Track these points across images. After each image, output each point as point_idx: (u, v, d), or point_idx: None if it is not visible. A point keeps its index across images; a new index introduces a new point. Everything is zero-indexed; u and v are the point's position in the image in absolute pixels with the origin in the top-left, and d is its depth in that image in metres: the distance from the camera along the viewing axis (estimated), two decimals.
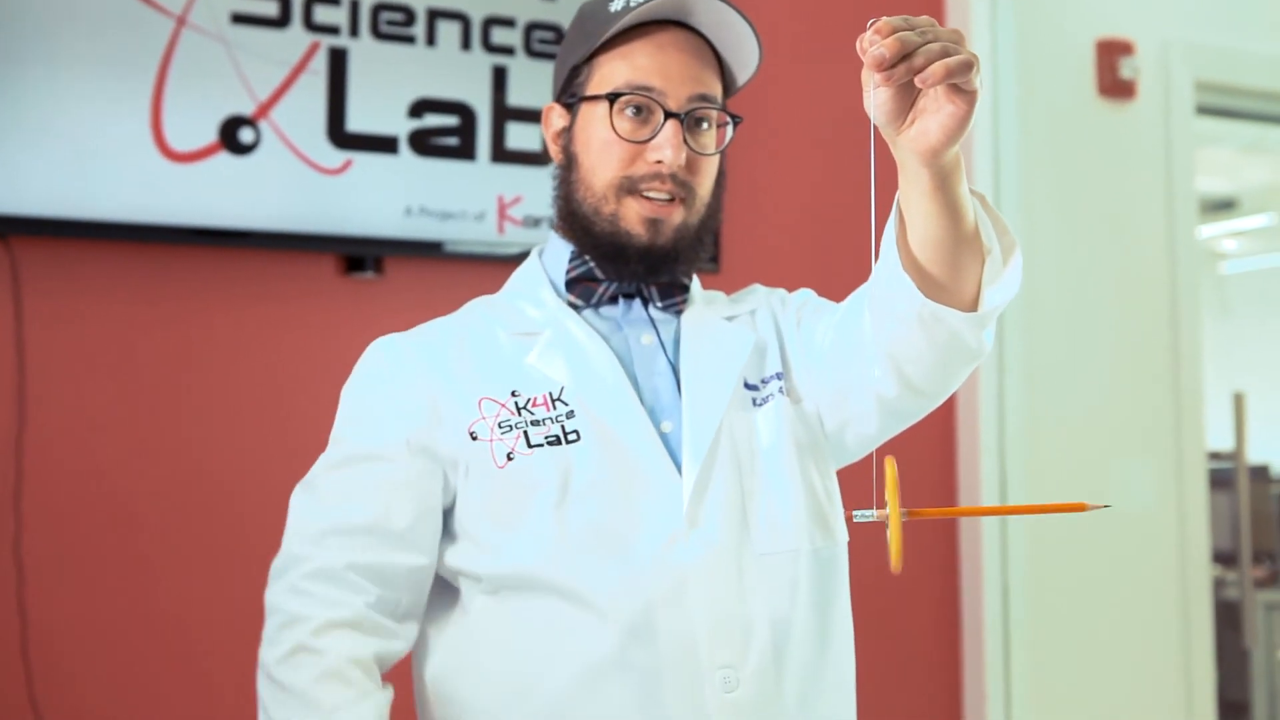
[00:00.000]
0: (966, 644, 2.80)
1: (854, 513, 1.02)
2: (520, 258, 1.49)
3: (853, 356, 1.32)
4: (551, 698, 1.25)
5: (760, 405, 1.36)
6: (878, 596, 2.17)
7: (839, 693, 1.34)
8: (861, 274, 1.35)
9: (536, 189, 2.36)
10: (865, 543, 1.50)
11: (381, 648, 1.27)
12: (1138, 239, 3.07)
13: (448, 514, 1.33)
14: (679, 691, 1.23)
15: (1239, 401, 3.60)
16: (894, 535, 1.00)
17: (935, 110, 1.07)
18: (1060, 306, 2.96)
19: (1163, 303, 3.07)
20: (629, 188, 1.35)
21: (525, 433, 1.30)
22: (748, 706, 1.24)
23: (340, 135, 2.25)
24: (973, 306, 1.20)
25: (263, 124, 2.20)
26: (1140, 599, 2.99)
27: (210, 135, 2.17)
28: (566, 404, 1.31)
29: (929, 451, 2.79)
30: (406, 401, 1.32)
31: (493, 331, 1.37)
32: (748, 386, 1.37)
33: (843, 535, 1.38)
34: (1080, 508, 1.03)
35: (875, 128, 1.10)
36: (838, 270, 2.49)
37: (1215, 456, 3.53)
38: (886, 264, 1.19)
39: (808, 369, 1.39)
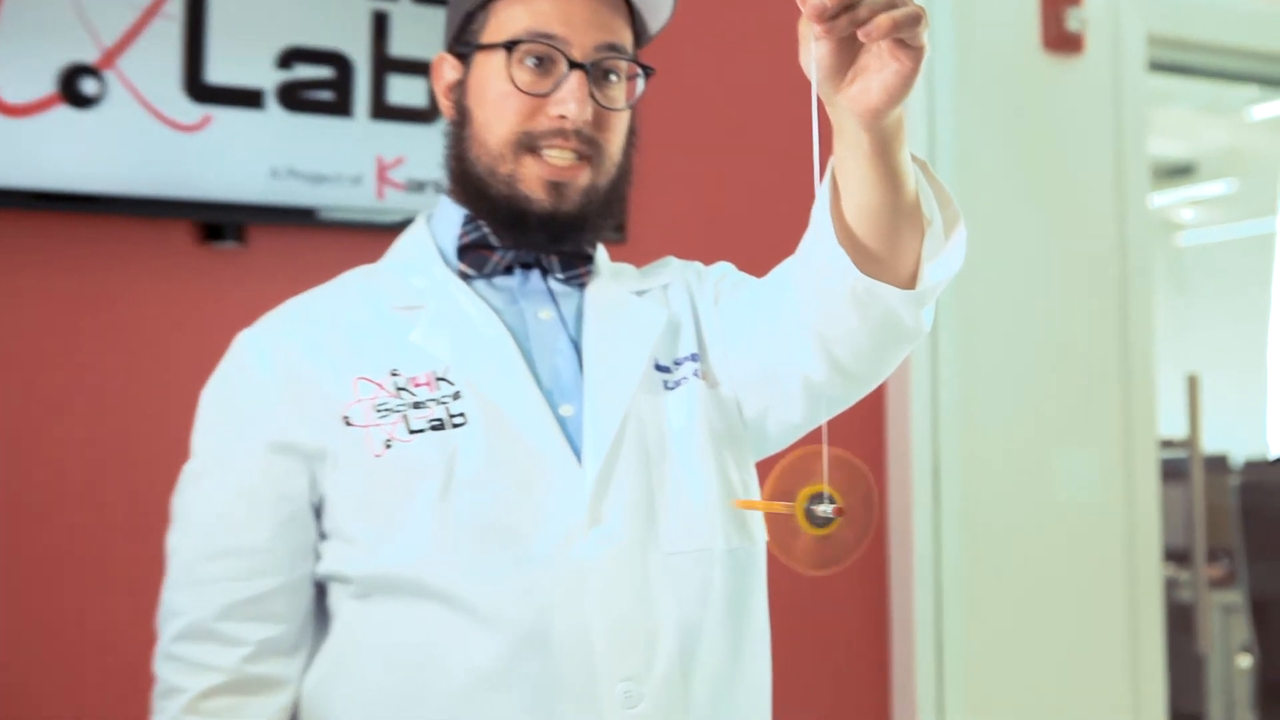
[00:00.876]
0: (896, 651, 2.84)
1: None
2: (401, 226, 1.49)
3: (777, 336, 1.33)
4: (431, 716, 1.25)
5: (672, 389, 1.37)
6: (798, 600, 2.19)
7: (753, 706, 1.35)
8: (785, 247, 1.36)
9: (420, 149, 2.34)
10: None
11: (261, 710, 1.29)
12: (1085, 206, 3.12)
13: (318, 514, 1.33)
14: (575, 707, 1.24)
15: (1193, 385, 3.67)
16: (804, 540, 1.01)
17: (879, 68, 1.09)
18: (999, 281, 3.00)
19: (1111, 277, 3.13)
20: (528, 145, 1.34)
21: (405, 416, 1.30)
22: None
23: (198, 88, 2.22)
24: (911, 283, 1.22)
25: (109, 74, 2.16)
26: (1085, 601, 3.05)
27: (47, 86, 2.12)
28: (452, 384, 1.31)
29: (856, 442, 2.82)
30: (267, 396, 1.33)
31: (371, 304, 1.37)
32: (658, 368, 1.38)
33: (761, 534, 1.39)
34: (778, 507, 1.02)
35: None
36: (758, 242, 2.50)
37: (1168, 445, 3.59)
38: (818, 235, 1.20)
39: (726, 350, 1.40)
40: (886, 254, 1.20)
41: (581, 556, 1.26)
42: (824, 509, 1.02)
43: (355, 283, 1.42)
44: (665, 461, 1.33)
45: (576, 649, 1.24)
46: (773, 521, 1.02)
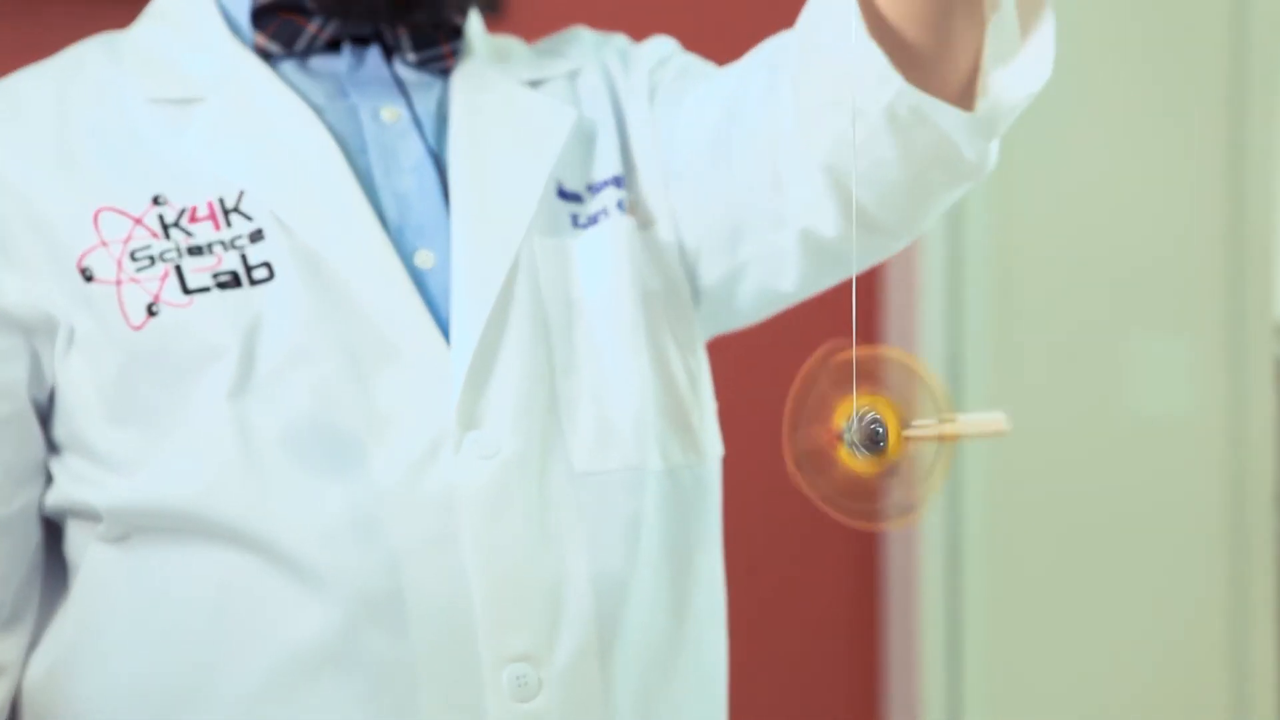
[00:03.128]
0: (892, 621, 2.87)
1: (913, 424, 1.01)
2: None
3: (758, 164, 1.33)
4: (220, 716, 1.26)
5: (585, 227, 1.38)
6: (766, 544, 2.20)
7: (701, 697, 1.38)
8: (758, 28, 1.36)
9: None
10: (748, 457, 1.52)
11: None
12: None
13: (47, 417, 1.33)
14: (443, 699, 1.25)
15: None
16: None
17: None
18: (1053, 83, 3.00)
19: (1219, 86, 3.14)
20: None
21: (178, 267, 1.29)
22: None
23: None
24: (965, 98, 1.22)
25: None
26: (1165, 561, 3.10)
27: None
28: (249, 218, 1.31)
29: (838, 326, 2.83)
30: None
31: (119, 95, 1.36)
32: (563, 195, 1.39)
33: (714, 447, 1.41)
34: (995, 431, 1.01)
35: None
36: (716, 18, 2.47)
37: None
38: (832, 15, 1.19)
39: (668, 174, 1.41)
40: (934, 50, 1.20)
41: (449, 478, 1.27)
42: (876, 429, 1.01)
43: (92, 62, 1.40)
44: (574, 335, 1.34)
45: (443, 616, 1.25)
46: (803, 447, 1.01)
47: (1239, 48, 3.15)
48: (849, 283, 1.35)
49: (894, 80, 1.18)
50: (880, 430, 1.01)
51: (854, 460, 1.01)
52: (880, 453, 1.01)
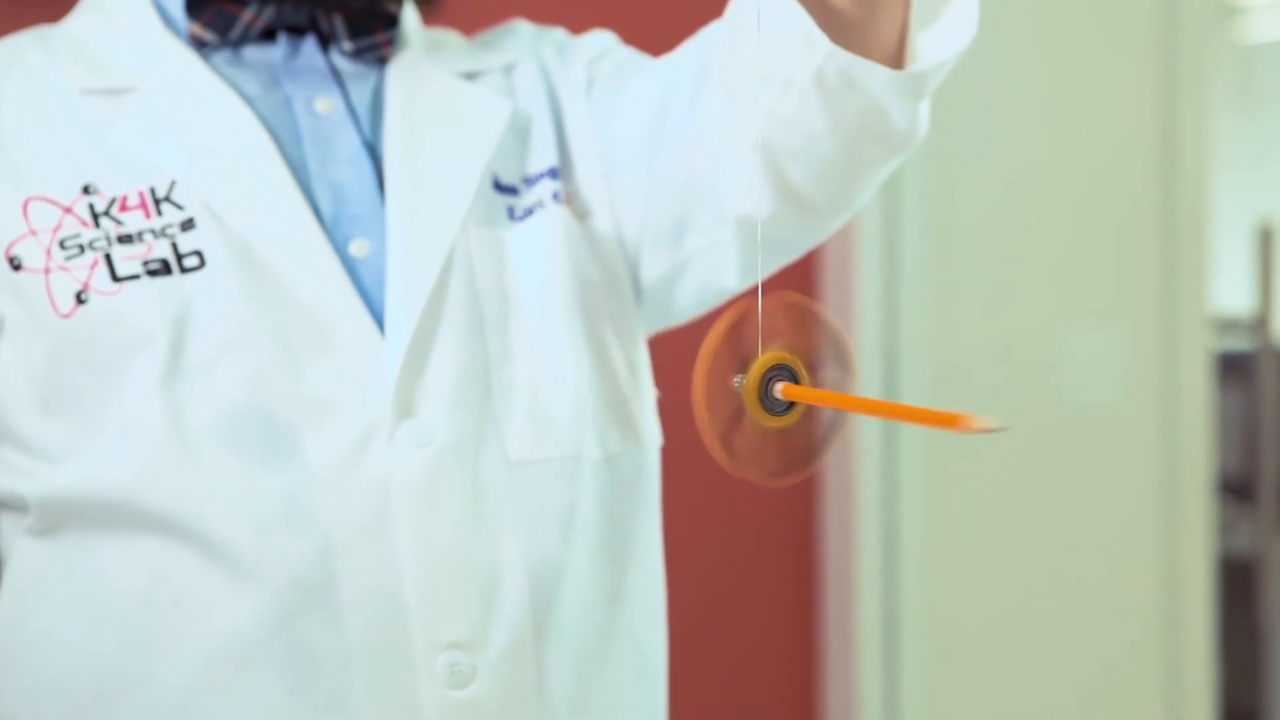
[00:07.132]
0: (830, 617, 2.87)
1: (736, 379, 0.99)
2: None
3: (694, 153, 1.33)
4: (153, 707, 1.26)
5: (521, 219, 1.38)
6: (711, 534, 2.19)
7: (639, 684, 1.38)
8: (696, 13, 1.36)
9: None
10: (691, 447, 1.52)
11: None
12: None
13: None
14: (375, 688, 1.25)
15: (1266, 238, 3.71)
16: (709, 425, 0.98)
17: None
18: (987, 80, 3.01)
19: (1151, 82, 3.15)
20: None
21: (107, 256, 1.29)
22: (490, 711, 1.27)
23: None
24: (893, 64, 1.22)
25: None
26: (1100, 550, 3.11)
27: None
28: (180, 207, 1.30)
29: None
30: None
31: (53, 85, 1.36)
32: (499, 188, 1.39)
33: (654, 436, 1.42)
34: (952, 421, 0.95)
35: None
36: (655, 6, 2.47)
37: (1227, 327, 3.64)
38: None
39: (607, 167, 1.41)
40: (860, 14, 1.20)
41: (383, 467, 1.27)
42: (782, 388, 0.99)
43: (24, 53, 1.40)
44: (509, 326, 1.34)
45: (376, 604, 1.25)
46: (711, 405, 1.00)
47: (1170, 37, 3.17)
48: (786, 272, 1.37)
49: (821, 43, 1.18)
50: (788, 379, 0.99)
51: (766, 416, 0.99)
52: (787, 411, 0.99)
